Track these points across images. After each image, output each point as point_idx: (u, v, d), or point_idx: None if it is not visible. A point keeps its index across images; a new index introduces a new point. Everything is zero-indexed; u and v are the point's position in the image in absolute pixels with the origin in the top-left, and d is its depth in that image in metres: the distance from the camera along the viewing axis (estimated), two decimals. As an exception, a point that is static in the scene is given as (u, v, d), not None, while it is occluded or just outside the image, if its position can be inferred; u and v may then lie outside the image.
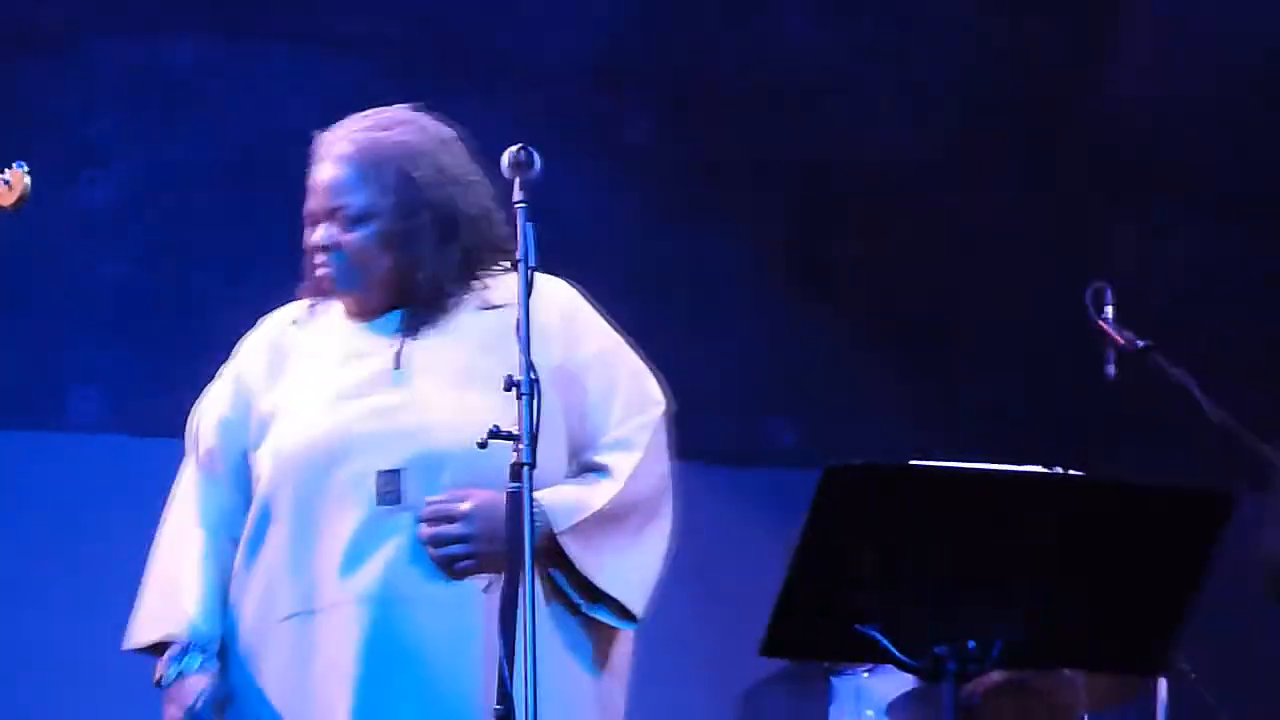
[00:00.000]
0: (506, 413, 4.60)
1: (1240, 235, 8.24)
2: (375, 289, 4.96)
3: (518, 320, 4.49)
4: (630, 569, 4.82)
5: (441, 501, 4.76)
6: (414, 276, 4.95)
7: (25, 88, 7.17)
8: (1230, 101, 8.53)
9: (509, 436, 4.37)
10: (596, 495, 4.75)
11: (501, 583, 4.70)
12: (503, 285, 4.92)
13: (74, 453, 7.29)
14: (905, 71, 8.55)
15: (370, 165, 4.96)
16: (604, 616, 4.75)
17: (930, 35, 8.55)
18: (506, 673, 4.26)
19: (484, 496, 4.70)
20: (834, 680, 6.76)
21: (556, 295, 5.00)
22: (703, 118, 8.27)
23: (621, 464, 4.80)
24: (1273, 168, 8.21)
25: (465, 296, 4.99)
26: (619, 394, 4.95)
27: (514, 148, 4.57)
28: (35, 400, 7.07)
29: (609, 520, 4.76)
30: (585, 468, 4.84)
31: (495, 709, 4.26)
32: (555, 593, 4.81)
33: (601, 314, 5.13)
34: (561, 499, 4.73)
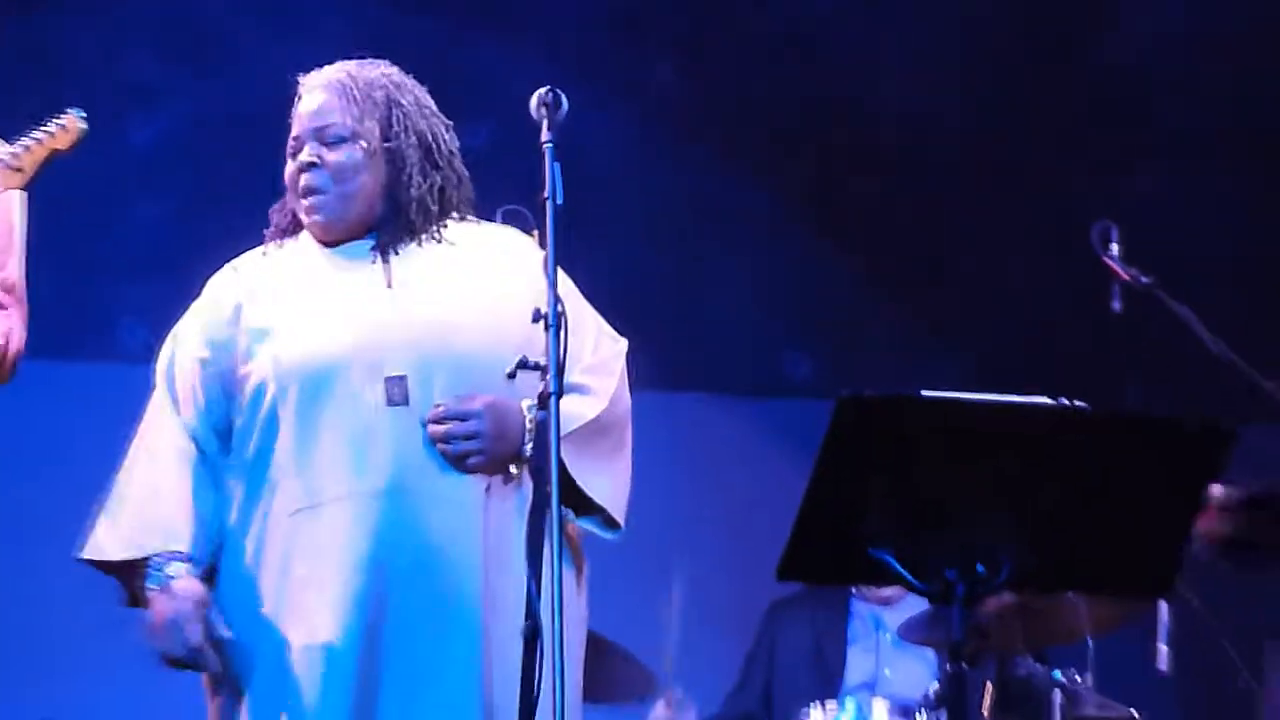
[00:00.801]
0: (493, 322, 4.85)
1: (1233, 176, 8.15)
2: (352, 208, 5.00)
3: (545, 257, 4.54)
4: (613, 480, 4.92)
5: (451, 402, 4.84)
6: (400, 195, 5.01)
7: (71, 36, 7.13)
8: (1223, 51, 8.45)
9: (536, 367, 4.44)
10: (586, 408, 4.83)
11: (500, 485, 4.85)
12: (460, 231, 5.05)
13: (122, 381, 7.15)
14: (917, 21, 8.49)
15: (358, 90, 5.01)
16: (592, 526, 4.89)
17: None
18: (534, 590, 4.31)
19: (491, 399, 4.79)
20: (853, 603, 6.78)
21: (523, 242, 5.14)
22: (721, 63, 8.28)
23: (602, 386, 4.91)
24: (1262, 114, 8.12)
25: (432, 231, 5.05)
26: (588, 327, 5.02)
27: (542, 89, 4.61)
28: (86, 332, 6.90)
29: (596, 432, 4.85)
30: (565, 388, 4.76)
31: (524, 625, 4.26)
32: (547, 502, 4.81)
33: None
34: (573, 416, 4.76)
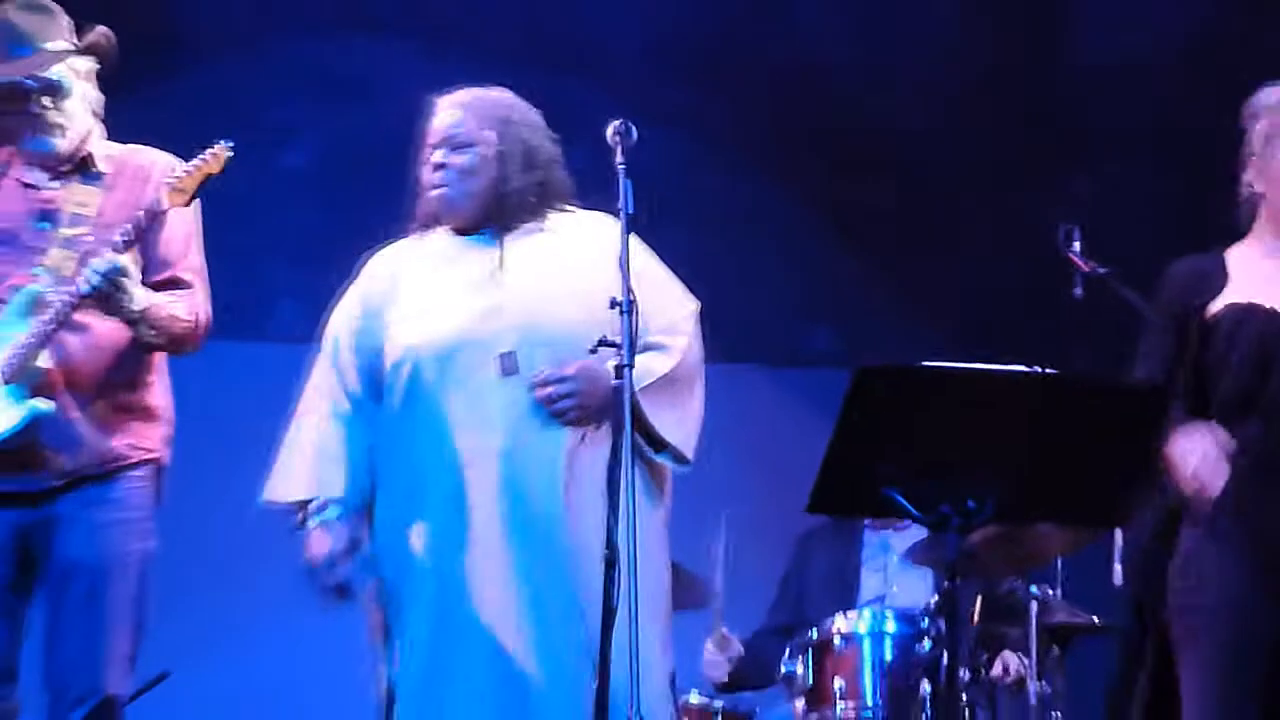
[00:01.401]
0: (584, 303, 4.99)
1: (1176, 181, 8.08)
2: (473, 201, 5.16)
3: (620, 255, 4.70)
4: (683, 423, 5.07)
5: (551, 369, 4.99)
6: (503, 191, 5.14)
7: (233, 76, 7.07)
8: (1164, 70, 8.45)
9: (612, 344, 4.61)
10: (659, 364, 5.00)
11: (591, 435, 5.03)
12: (560, 221, 5.20)
13: (279, 361, 7.16)
14: (910, 56, 8.47)
15: (478, 107, 5.21)
16: (665, 460, 5.04)
17: (922, 23, 8.47)
18: (613, 523, 4.47)
19: (582, 363, 4.94)
20: (865, 533, 6.83)
21: (607, 224, 5.14)
22: (752, 89, 8.20)
23: (674, 343, 5.06)
24: (1198, 128, 7.63)
25: (538, 222, 5.18)
26: (666, 291, 5.19)
27: (617, 121, 4.78)
28: (243, 314, 6.69)
29: (669, 384, 5.00)
30: (645, 347, 4.99)
31: (604, 553, 4.45)
32: (641, 454, 5.03)
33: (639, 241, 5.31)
34: (636, 366, 4.90)
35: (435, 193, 5.18)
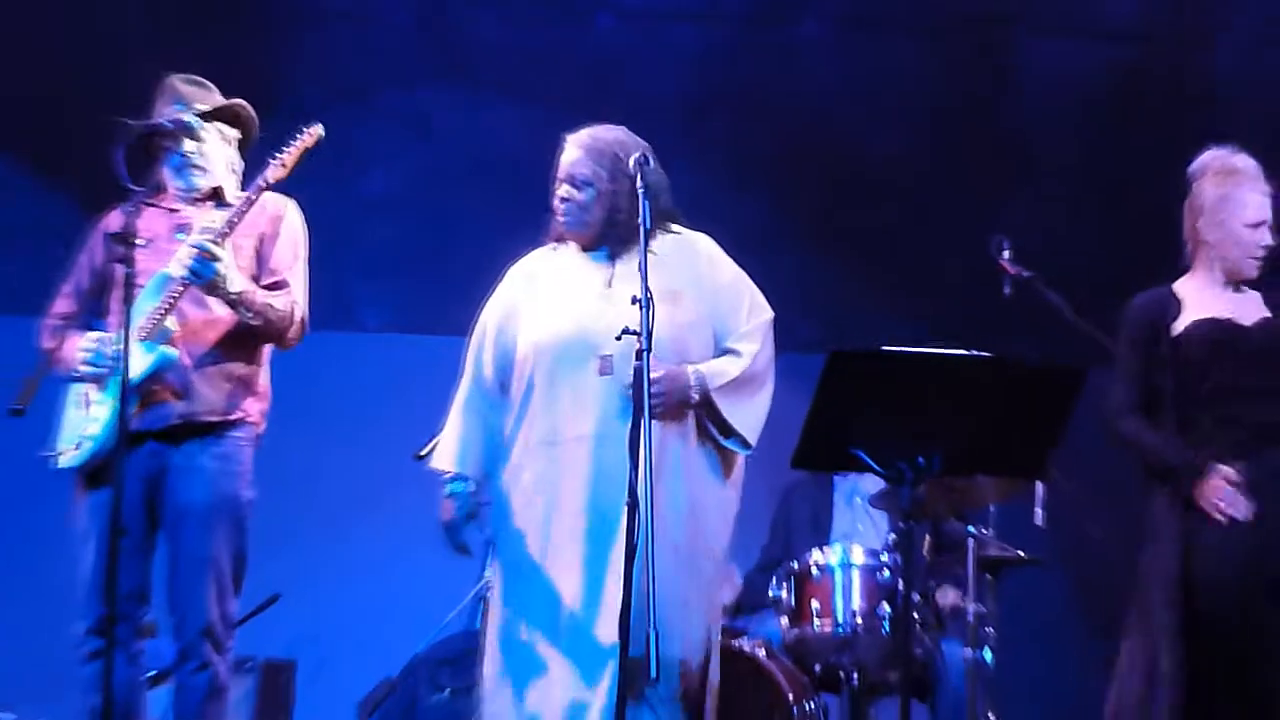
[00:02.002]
0: (673, 316, 5.11)
1: (1097, 203, 8.00)
2: (589, 230, 5.26)
3: (639, 262, 4.81)
4: (751, 415, 5.18)
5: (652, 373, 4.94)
6: (614, 221, 5.22)
7: (339, 119, 6.56)
8: (1090, 109, 8.40)
9: (635, 333, 4.69)
10: (733, 368, 5.13)
11: (671, 423, 5.14)
12: (667, 243, 5.24)
13: (363, 350, 7.22)
14: (881, 90, 8.43)
15: (593, 148, 5.24)
16: (734, 446, 5.15)
17: (895, 69, 8.41)
18: (633, 478, 4.55)
19: (668, 369, 5.04)
20: (836, 481, 6.86)
21: (703, 244, 5.37)
22: (752, 123, 8.16)
23: (746, 350, 5.16)
24: (1114, 160, 8.04)
25: (637, 245, 5.08)
26: (743, 306, 5.26)
27: (636, 154, 5.00)
28: (333, 312, 6.45)
29: (738, 384, 5.11)
30: (724, 351, 5.19)
31: (626, 500, 4.55)
32: (703, 431, 5.24)
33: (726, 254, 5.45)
34: (712, 369, 5.13)
35: (560, 219, 5.28)
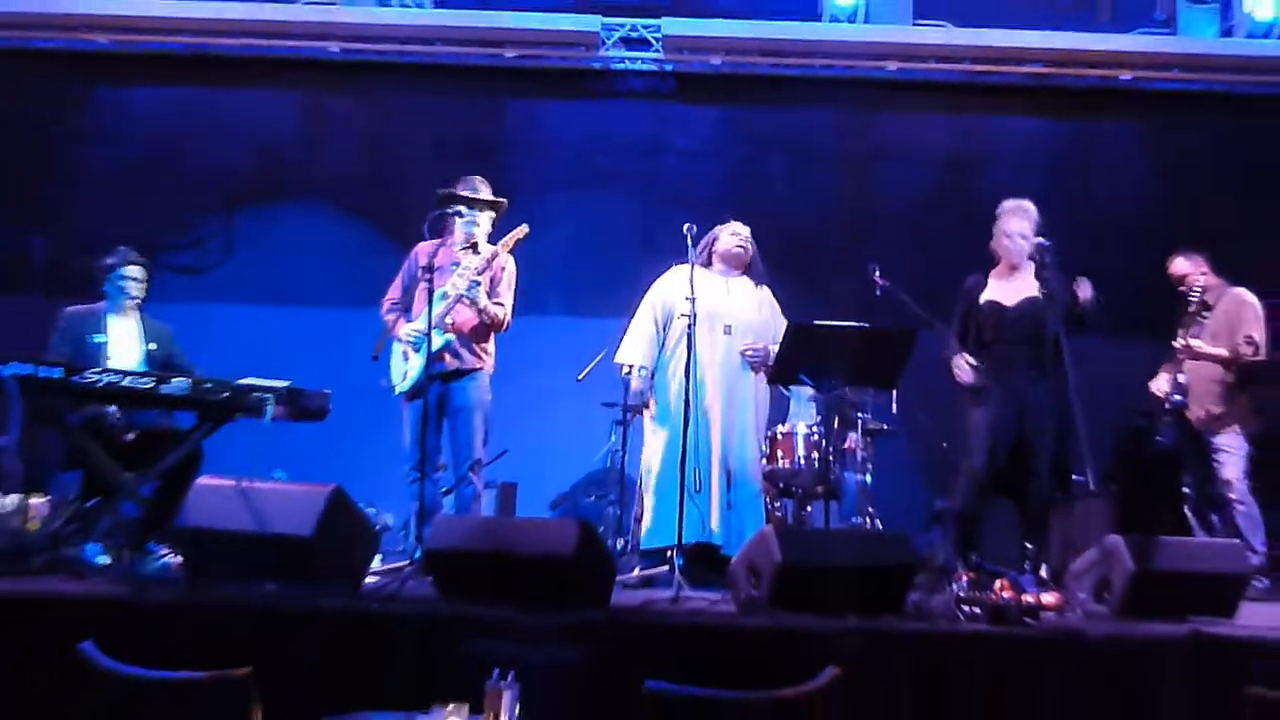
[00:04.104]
0: (758, 314, 5.34)
1: (936, 242, 7.46)
2: (742, 268, 5.48)
3: (690, 276, 4.94)
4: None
5: (750, 341, 5.35)
6: (751, 267, 5.43)
7: (548, 202, 7.04)
8: (928, 187, 7.95)
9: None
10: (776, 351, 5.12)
11: (759, 374, 5.30)
12: (748, 279, 5.44)
13: (548, 328, 6.87)
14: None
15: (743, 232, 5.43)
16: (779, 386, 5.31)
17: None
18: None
19: (763, 342, 5.29)
20: (793, 389, 6.32)
21: (766, 291, 5.50)
22: (756, 210, 6.51)
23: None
24: (948, 219, 7.53)
25: (744, 275, 5.43)
26: (779, 319, 5.42)
27: (687, 225, 5.06)
28: (532, 302, 5.79)
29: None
30: (774, 340, 5.22)
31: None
32: (760, 378, 5.39)
33: (774, 292, 5.50)
34: (772, 349, 5.25)
35: (732, 255, 5.41)
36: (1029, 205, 5.33)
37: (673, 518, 4.76)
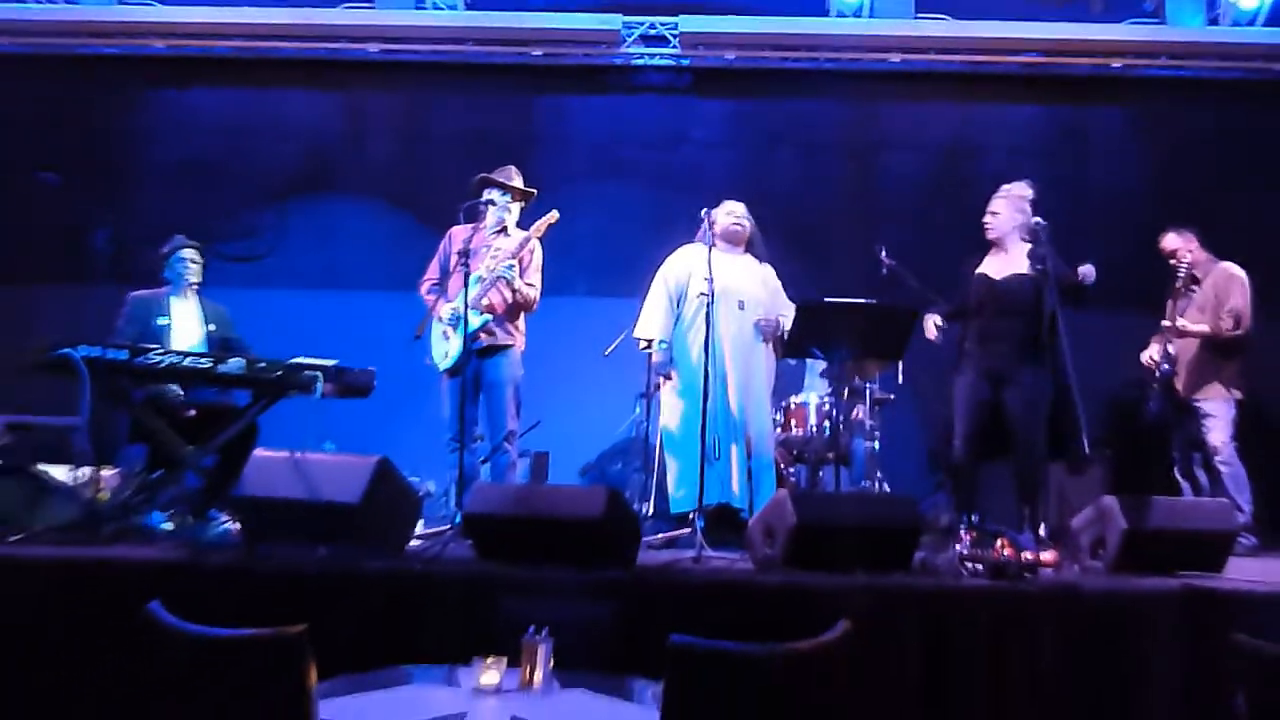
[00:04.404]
0: (764, 288, 5.22)
1: (941, 227, 7.17)
2: (741, 244, 5.37)
3: (707, 258, 4.81)
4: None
5: (761, 314, 5.27)
6: (754, 247, 5.32)
7: (577, 187, 6.90)
8: (930, 178, 7.80)
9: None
10: (786, 321, 5.17)
11: (768, 344, 5.21)
12: (754, 257, 5.34)
13: (575, 308, 6.76)
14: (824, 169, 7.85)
15: (741, 210, 5.33)
16: (788, 354, 5.09)
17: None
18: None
19: (772, 316, 5.22)
20: (807, 362, 6.36)
21: (769, 268, 5.41)
22: (758, 197, 6.41)
23: (789, 313, 5.17)
24: (950, 209, 7.20)
25: (749, 254, 5.32)
26: (782, 293, 5.36)
27: (704, 209, 5.04)
28: (560, 284, 5.72)
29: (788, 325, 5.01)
30: (782, 313, 5.23)
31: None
32: (770, 349, 5.33)
33: (784, 271, 5.44)
34: (781, 321, 5.24)
35: (730, 232, 5.30)
36: (1013, 186, 5.30)
37: (712, 484, 4.86)
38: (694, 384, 5.00)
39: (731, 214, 5.32)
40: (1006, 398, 5.09)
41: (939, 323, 5.17)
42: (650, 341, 5.28)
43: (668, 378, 5.28)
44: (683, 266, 5.30)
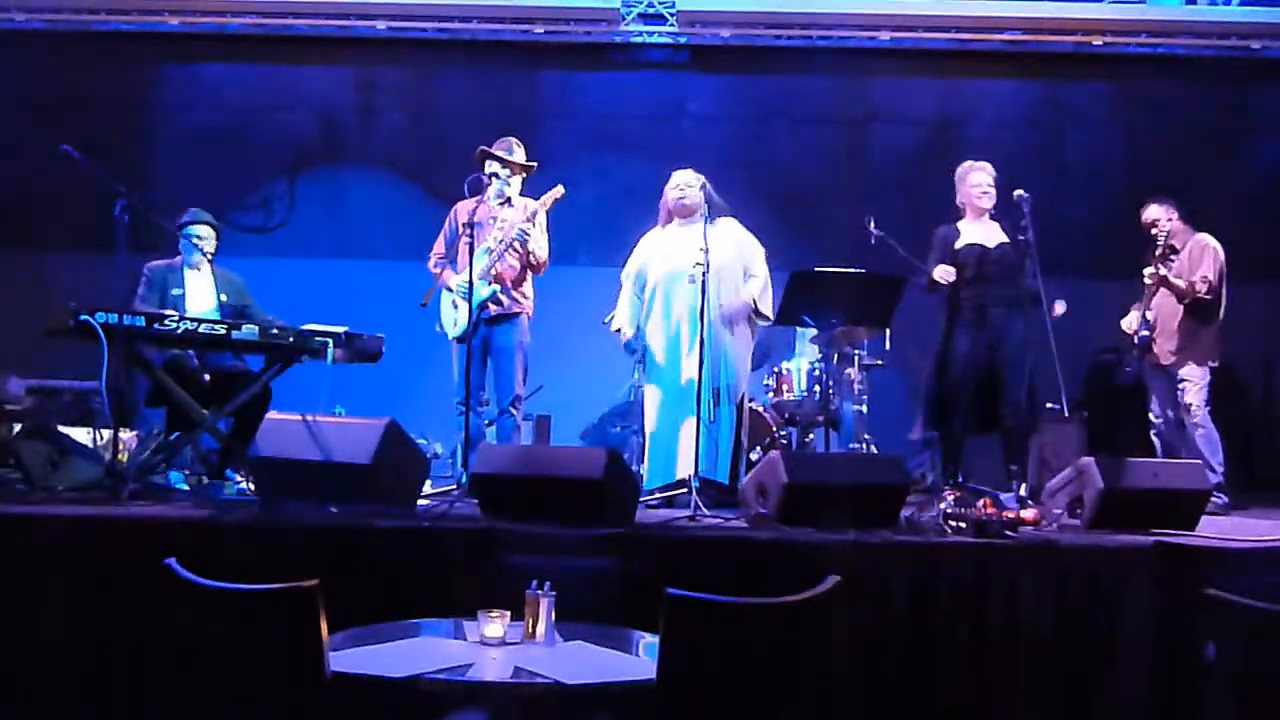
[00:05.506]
0: (732, 260, 4.99)
1: (921, 201, 6.68)
2: (693, 214, 5.11)
3: (703, 230, 4.82)
4: (768, 304, 5.07)
5: (727, 300, 5.06)
6: (710, 205, 5.00)
7: (562, 165, 6.56)
8: (916, 153, 7.65)
9: (706, 271, 4.65)
10: (755, 286, 5.06)
11: (736, 321, 5.02)
12: (725, 223, 5.14)
13: (578, 277, 6.49)
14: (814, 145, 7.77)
15: (696, 177, 5.13)
16: (762, 321, 5.10)
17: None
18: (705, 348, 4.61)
19: (740, 297, 5.05)
20: (796, 330, 6.34)
21: (734, 223, 5.19)
22: (751, 179, 7.03)
23: (760, 272, 5.11)
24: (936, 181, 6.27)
25: (714, 220, 5.02)
26: (752, 251, 5.14)
27: (701, 181, 5.09)
28: (564, 254, 5.71)
29: (762, 291, 5.06)
30: (751, 276, 5.08)
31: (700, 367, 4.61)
32: (749, 319, 5.17)
33: (750, 230, 5.24)
34: (751, 291, 5.07)
35: (680, 207, 5.13)
36: (983, 164, 5.37)
37: (664, 464, 4.89)
38: (658, 368, 5.05)
39: (676, 188, 5.17)
40: (1000, 358, 5.11)
41: (950, 269, 5.13)
42: (620, 331, 5.30)
43: (641, 358, 5.30)
44: (641, 256, 5.26)
